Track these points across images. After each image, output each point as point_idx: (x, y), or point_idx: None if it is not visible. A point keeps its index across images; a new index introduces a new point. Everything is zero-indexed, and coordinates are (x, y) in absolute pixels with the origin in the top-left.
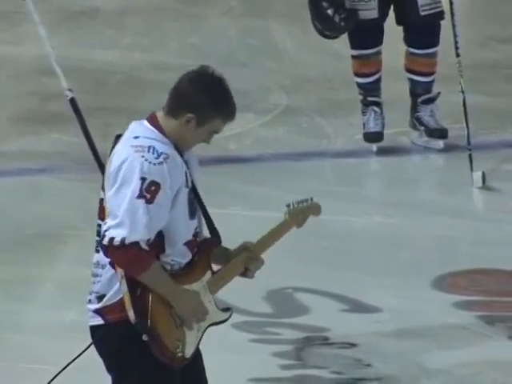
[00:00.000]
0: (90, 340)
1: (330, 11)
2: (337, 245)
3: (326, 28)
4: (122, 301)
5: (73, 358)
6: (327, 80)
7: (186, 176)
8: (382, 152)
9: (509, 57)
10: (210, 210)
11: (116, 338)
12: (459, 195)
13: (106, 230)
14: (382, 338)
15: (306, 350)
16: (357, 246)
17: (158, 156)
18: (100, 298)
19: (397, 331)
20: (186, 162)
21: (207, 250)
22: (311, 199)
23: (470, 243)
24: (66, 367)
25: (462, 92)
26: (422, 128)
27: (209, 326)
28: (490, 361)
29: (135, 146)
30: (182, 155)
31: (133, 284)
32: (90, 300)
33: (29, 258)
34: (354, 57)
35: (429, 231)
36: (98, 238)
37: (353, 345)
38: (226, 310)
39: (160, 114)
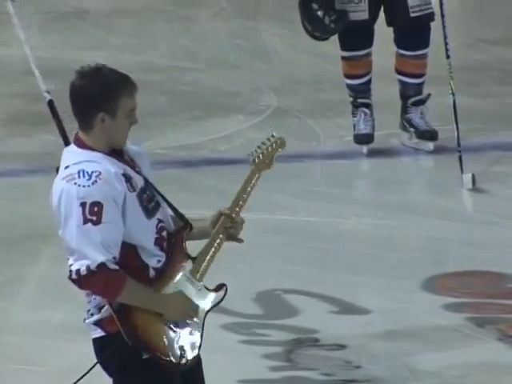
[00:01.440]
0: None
1: (320, 13)
2: (326, 246)
3: (316, 29)
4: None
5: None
6: (317, 81)
7: (130, 182)
8: (372, 154)
9: (498, 58)
10: (199, 211)
11: (117, 349)
12: (449, 197)
13: (70, 266)
14: (371, 339)
15: (296, 351)
16: (346, 248)
17: (90, 177)
18: (100, 309)
19: (386, 333)
20: (132, 161)
21: (179, 240)
22: (272, 136)
23: (460, 245)
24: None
25: (453, 94)
26: (412, 130)
27: (207, 312)
28: (480, 363)
29: (66, 177)
30: (121, 157)
31: (117, 304)
32: (91, 314)
33: (17, 258)
34: (344, 58)
35: (418, 233)
36: None
37: (342, 346)
38: (219, 288)
39: (80, 133)
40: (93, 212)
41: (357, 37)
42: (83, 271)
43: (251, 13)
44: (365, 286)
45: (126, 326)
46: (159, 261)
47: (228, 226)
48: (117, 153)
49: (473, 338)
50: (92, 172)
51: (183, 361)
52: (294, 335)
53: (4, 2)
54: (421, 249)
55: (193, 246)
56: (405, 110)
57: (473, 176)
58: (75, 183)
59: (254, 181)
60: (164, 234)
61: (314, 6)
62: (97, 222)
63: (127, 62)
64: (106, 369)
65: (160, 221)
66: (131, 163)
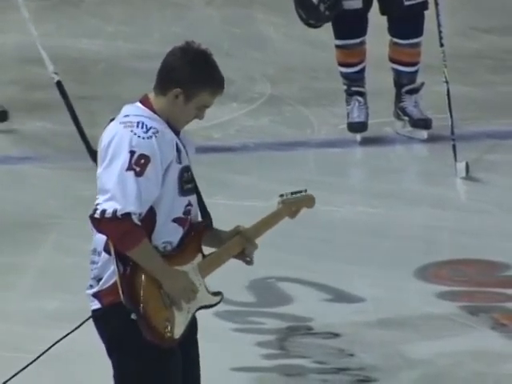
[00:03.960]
0: (71, 328)
1: (315, 0)
2: (320, 234)
3: (311, 17)
4: (116, 284)
5: (55, 348)
6: (311, 69)
7: (179, 152)
8: (366, 142)
9: (492, 47)
10: None
11: (111, 321)
12: (442, 185)
13: (97, 204)
14: (364, 327)
15: (289, 339)
16: (340, 236)
17: (147, 130)
18: (98, 281)
19: (379, 321)
20: (182, 142)
21: (198, 232)
22: (305, 190)
23: (453, 233)
24: (44, 352)
25: (446, 82)
26: (406, 118)
27: (198, 309)
28: (473, 351)
29: (124, 123)
30: (177, 135)
31: (123, 264)
32: (90, 285)
33: (11, 246)
34: (338, 47)
35: (412, 221)
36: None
37: (336, 334)
38: (217, 294)
39: (151, 95)
40: (139, 163)
41: (351, 25)
42: (108, 213)
43: (245, 1)
44: (358, 275)
45: (128, 284)
46: (165, 247)
47: (244, 244)
48: (173, 129)
49: (466, 327)
50: (150, 127)
51: (168, 334)
52: (287, 323)
53: None
54: (414, 237)
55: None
56: (399, 98)
57: (467, 164)
58: (131, 131)
59: (277, 220)
60: (188, 217)
61: None
62: (139, 174)
63: (121, 50)
64: (102, 340)
65: (190, 204)
66: (182, 145)
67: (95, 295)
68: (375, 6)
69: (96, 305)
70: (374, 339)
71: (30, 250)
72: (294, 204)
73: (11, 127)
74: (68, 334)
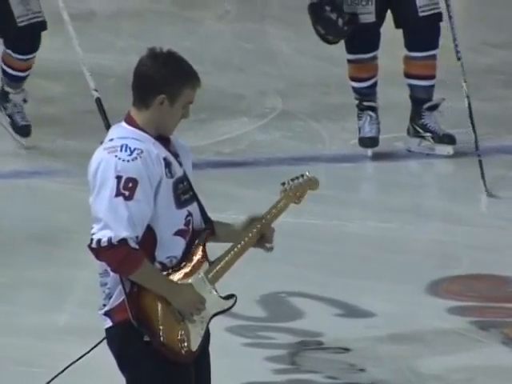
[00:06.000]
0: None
1: (333, 16)
2: (331, 249)
3: (330, 33)
4: (125, 302)
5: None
6: (323, 84)
7: (169, 166)
8: (377, 157)
9: (503, 62)
10: None
11: (122, 339)
12: (454, 200)
13: (92, 234)
14: (375, 342)
15: (300, 354)
16: (351, 251)
17: (131, 152)
18: (109, 299)
19: (390, 336)
20: (174, 150)
21: (201, 241)
22: (307, 173)
23: (464, 248)
24: (64, 370)
25: (467, 97)
26: (429, 134)
27: (213, 315)
28: (484, 366)
29: (108, 148)
30: (167, 145)
31: (130, 283)
32: (103, 305)
33: (22, 260)
34: (350, 61)
35: (423, 236)
36: None
37: (346, 349)
38: (230, 297)
39: (133, 111)
40: (127, 187)
41: (363, 40)
42: (104, 242)
43: (257, 15)
44: (369, 290)
45: (137, 305)
46: (171, 261)
47: (262, 229)
48: (162, 140)
49: (476, 342)
50: (134, 149)
51: (184, 349)
52: (298, 338)
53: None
54: (425, 252)
55: (213, 249)
56: (418, 115)
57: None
58: (116, 156)
59: (282, 210)
60: (190, 227)
61: (327, 8)
62: (128, 198)
63: (132, 64)
64: (115, 358)
65: (190, 214)
66: (174, 154)
67: (107, 314)
68: (387, 21)
69: (108, 323)
70: (384, 354)
71: (40, 264)
72: (297, 189)
73: (22, 142)
74: (89, 352)
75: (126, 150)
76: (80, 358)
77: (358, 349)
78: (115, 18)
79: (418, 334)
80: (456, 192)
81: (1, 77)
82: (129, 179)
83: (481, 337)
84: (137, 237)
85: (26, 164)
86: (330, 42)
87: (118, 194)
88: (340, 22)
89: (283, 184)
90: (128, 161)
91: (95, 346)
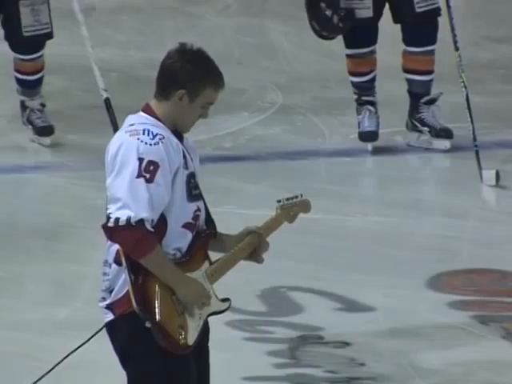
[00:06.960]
0: (82, 336)
1: (328, 12)
2: (331, 244)
3: (325, 29)
4: (128, 294)
5: (65, 353)
6: (322, 79)
7: (186, 158)
8: (377, 151)
9: (503, 56)
10: None
11: (124, 331)
12: (454, 194)
13: (109, 214)
14: (375, 337)
15: (300, 348)
16: (351, 245)
17: (154, 137)
18: (110, 293)
19: (390, 330)
20: (187, 149)
21: (204, 241)
22: (301, 195)
23: (464, 242)
24: (59, 363)
25: (465, 87)
26: (426, 129)
27: (208, 315)
28: (484, 361)
29: (130, 131)
30: (181, 141)
31: (135, 273)
32: (103, 298)
33: (22, 255)
34: (348, 56)
35: (423, 230)
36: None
37: (347, 344)
38: (225, 300)
39: (153, 102)
40: (148, 170)
41: (361, 34)
42: (122, 221)
43: (257, 10)
44: (369, 284)
45: (141, 293)
46: (175, 254)
47: (257, 242)
48: (178, 135)
49: (477, 336)
50: (156, 134)
51: (182, 341)
52: (298, 332)
53: None
54: (425, 247)
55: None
56: (416, 109)
57: (497, 172)
58: (138, 138)
59: (276, 226)
60: (197, 223)
61: (323, 5)
62: (149, 180)
63: (133, 59)
64: (116, 352)
65: (199, 209)
66: (187, 151)
67: (108, 307)
68: (385, 15)
69: (109, 317)
70: (385, 349)
71: (42, 259)
72: (292, 209)
73: (24, 137)
74: (83, 344)
75: (148, 134)
76: (75, 350)
77: (358, 343)
78: (115, 13)
79: (418, 329)
80: (455, 186)
81: (16, 87)
82: (150, 162)
83: (481, 331)
84: (153, 220)
85: (27, 159)
86: (325, 38)
87: (140, 175)
88: (335, 18)
89: (279, 201)
90: (150, 144)
91: (90, 338)
